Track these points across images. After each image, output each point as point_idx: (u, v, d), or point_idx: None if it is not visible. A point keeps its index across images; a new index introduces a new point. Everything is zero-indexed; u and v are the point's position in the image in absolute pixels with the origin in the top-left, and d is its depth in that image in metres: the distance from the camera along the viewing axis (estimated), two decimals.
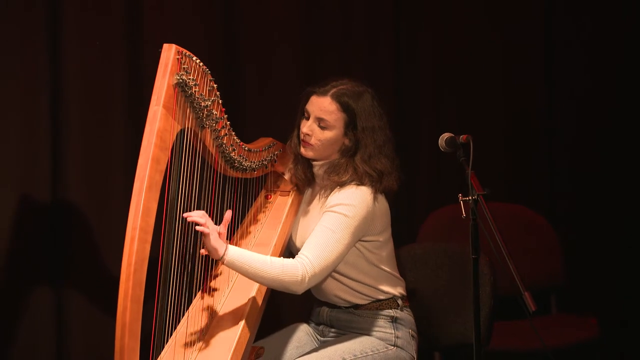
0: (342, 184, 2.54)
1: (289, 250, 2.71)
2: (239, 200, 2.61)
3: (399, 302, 2.63)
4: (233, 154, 2.49)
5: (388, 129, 2.59)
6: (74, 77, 3.17)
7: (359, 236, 2.54)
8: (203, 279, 2.51)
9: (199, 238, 2.34)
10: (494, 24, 3.77)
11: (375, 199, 2.53)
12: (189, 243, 2.32)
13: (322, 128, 2.56)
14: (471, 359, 2.34)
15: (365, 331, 2.61)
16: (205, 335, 2.38)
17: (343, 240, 2.47)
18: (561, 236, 3.68)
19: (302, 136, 2.60)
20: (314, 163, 2.64)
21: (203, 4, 3.37)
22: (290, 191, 2.74)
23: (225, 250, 2.34)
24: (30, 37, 3.13)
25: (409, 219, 3.61)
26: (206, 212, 2.35)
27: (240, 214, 2.64)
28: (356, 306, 2.62)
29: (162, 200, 2.17)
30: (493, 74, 3.78)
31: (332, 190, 2.56)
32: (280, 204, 2.72)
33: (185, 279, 2.33)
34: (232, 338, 2.35)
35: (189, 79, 2.23)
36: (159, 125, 2.15)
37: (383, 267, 2.61)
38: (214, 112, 2.36)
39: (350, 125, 2.55)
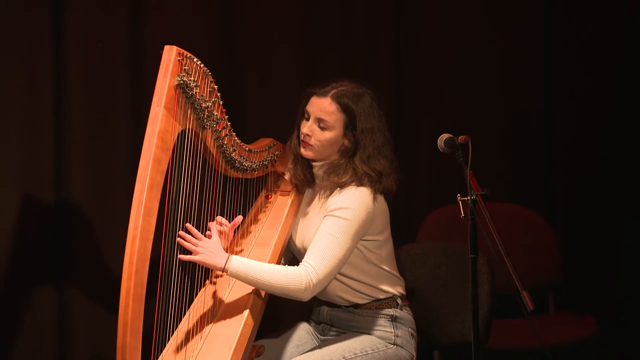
0: (341, 185, 2.55)
1: (289, 250, 2.73)
2: (239, 200, 2.62)
3: (399, 301, 2.64)
4: (234, 154, 2.50)
5: (387, 131, 2.60)
6: (76, 78, 3.18)
7: (360, 238, 2.55)
8: (204, 278, 2.52)
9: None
10: (494, 24, 3.76)
11: (374, 199, 2.54)
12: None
13: (322, 129, 2.57)
14: (470, 357, 2.36)
15: (365, 330, 2.62)
16: (206, 333, 2.39)
17: (345, 244, 2.48)
18: (559, 236, 3.68)
19: (302, 137, 2.61)
20: (314, 163, 2.65)
21: (203, 4, 3.37)
22: (290, 191, 2.74)
23: (227, 263, 2.37)
24: (34, 37, 3.13)
25: (409, 219, 3.61)
26: (207, 212, 2.37)
27: (241, 214, 2.64)
28: (356, 305, 2.63)
29: (164, 201, 2.18)
30: (493, 74, 3.78)
31: (331, 190, 2.57)
32: (281, 204, 2.73)
33: (186, 278, 2.34)
34: (232, 336, 2.36)
35: (190, 80, 2.25)
36: (160, 126, 2.16)
37: (383, 266, 2.63)
38: (215, 113, 2.37)
39: (350, 126, 2.56)
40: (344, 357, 2.54)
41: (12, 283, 3.14)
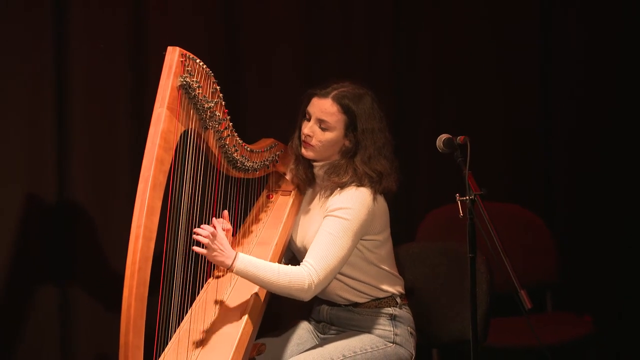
0: (342, 185, 2.56)
1: (289, 249, 2.75)
2: (241, 199, 2.62)
3: (398, 300, 2.65)
4: (235, 154, 2.51)
5: (387, 131, 2.61)
6: (79, 78, 3.18)
7: (361, 238, 2.56)
8: (206, 276, 2.53)
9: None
10: (494, 24, 3.75)
11: (374, 199, 2.55)
12: (192, 241, 2.35)
13: (323, 129, 2.59)
14: (468, 355, 2.37)
15: (365, 329, 2.63)
16: (208, 332, 2.40)
17: (345, 244, 2.49)
18: (558, 235, 3.68)
19: (303, 137, 2.62)
20: (315, 164, 2.66)
21: (203, 4, 3.38)
22: (291, 191, 2.75)
23: (234, 260, 2.38)
24: (36, 37, 3.14)
25: (408, 219, 3.60)
26: (209, 211, 2.38)
27: (242, 214, 2.65)
28: (356, 304, 2.64)
29: (166, 200, 2.20)
30: (493, 74, 3.76)
31: (332, 191, 2.58)
32: (282, 203, 2.74)
33: (188, 276, 2.35)
34: (234, 335, 2.37)
35: (193, 81, 2.26)
36: (163, 127, 2.17)
37: (382, 266, 2.64)
38: (217, 113, 2.38)
39: (351, 126, 2.57)
40: (344, 356, 2.55)
41: (15, 283, 3.15)
